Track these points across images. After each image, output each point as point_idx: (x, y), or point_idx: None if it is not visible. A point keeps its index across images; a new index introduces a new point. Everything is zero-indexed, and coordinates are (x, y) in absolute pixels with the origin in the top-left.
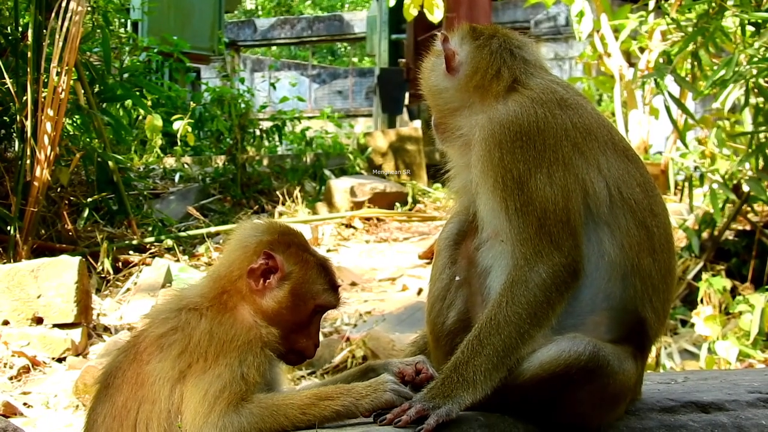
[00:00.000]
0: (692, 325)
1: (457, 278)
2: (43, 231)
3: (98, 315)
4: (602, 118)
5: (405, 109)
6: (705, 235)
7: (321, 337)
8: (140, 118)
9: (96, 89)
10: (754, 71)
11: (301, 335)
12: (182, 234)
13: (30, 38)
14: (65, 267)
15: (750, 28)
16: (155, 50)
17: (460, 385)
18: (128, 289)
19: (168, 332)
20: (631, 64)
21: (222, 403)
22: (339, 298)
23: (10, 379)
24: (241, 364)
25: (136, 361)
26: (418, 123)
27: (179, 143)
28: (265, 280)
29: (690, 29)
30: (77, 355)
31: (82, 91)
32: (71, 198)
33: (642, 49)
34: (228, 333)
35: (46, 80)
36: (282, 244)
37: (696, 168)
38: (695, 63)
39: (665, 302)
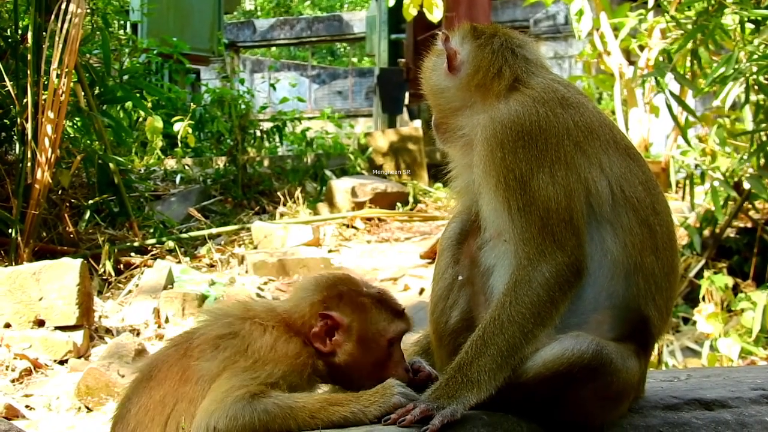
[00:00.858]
0: (694, 323)
1: (460, 278)
2: (44, 233)
3: (100, 317)
4: (604, 117)
5: (405, 109)
6: (706, 232)
7: None
8: (140, 119)
9: (96, 91)
10: (754, 68)
11: (387, 369)
12: (183, 235)
13: (30, 41)
14: (67, 269)
15: (749, 26)
16: (155, 52)
17: (465, 385)
18: (130, 291)
19: (227, 335)
20: (631, 63)
21: (239, 392)
22: (408, 320)
23: (12, 381)
24: (283, 377)
25: (185, 357)
26: (418, 123)
27: (180, 145)
28: (330, 338)
29: (689, 27)
30: (79, 358)
31: (83, 93)
32: (72, 200)
33: (642, 48)
34: (289, 351)
35: (46, 82)
36: (334, 298)
37: (697, 166)
38: (695, 61)
39: (668, 300)
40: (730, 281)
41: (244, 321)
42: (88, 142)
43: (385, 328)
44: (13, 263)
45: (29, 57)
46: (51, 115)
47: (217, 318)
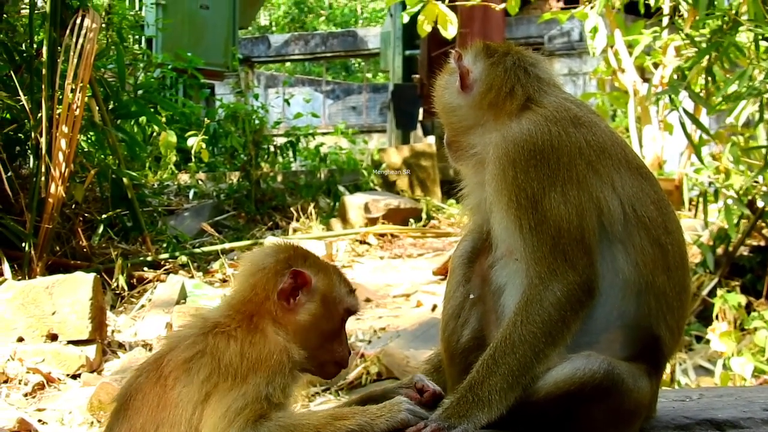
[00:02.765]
0: (707, 341)
1: (472, 296)
2: (57, 247)
3: (113, 331)
4: (616, 136)
5: (419, 125)
6: (720, 250)
7: None
8: (154, 134)
9: (110, 106)
10: None
11: (335, 344)
12: (196, 250)
13: (45, 55)
14: (80, 283)
15: (764, 43)
16: (169, 66)
17: (476, 404)
18: (143, 306)
19: (195, 356)
20: (645, 80)
21: (241, 419)
22: (359, 300)
23: (25, 395)
24: (268, 384)
25: (159, 385)
26: (432, 139)
27: (193, 159)
28: (294, 297)
29: (704, 45)
30: (92, 372)
31: (97, 108)
32: (86, 214)
33: (656, 65)
34: (261, 353)
35: (60, 97)
36: (299, 258)
37: (710, 183)
38: (709, 78)
39: (680, 320)
40: (743, 300)
41: (206, 336)
42: (102, 156)
43: (344, 296)
44: (27, 277)
45: (44, 71)
46: (65, 129)
47: (179, 340)
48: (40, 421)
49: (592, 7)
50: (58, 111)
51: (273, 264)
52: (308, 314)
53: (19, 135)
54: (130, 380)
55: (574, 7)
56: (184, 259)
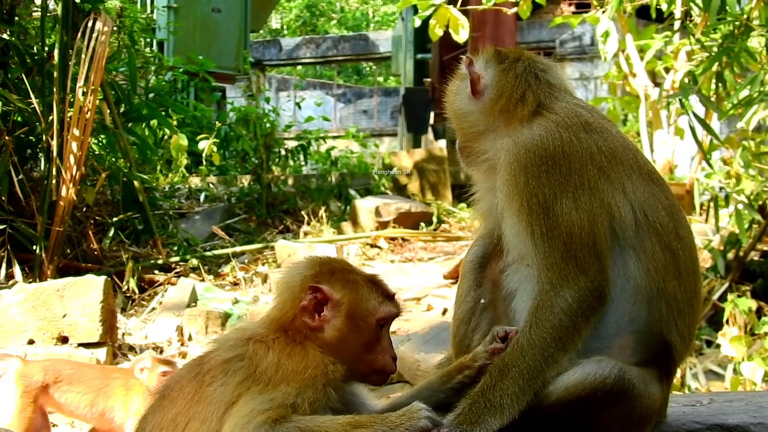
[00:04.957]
0: (718, 346)
1: (482, 301)
2: (68, 250)
3: (123, 334)
4: (627, 142)
5: (430, 129)
6: (730, 255)
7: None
8: (166, 137)
9: (122, 109)
10: None
11: (376, 353)
12: (207, 253)
13: (56, 58)
14: (90, 286)
15: None
16: (181, 70)
17: (488, 410)
18: (153, 309)
19: (234, 358)
20: (657, 84)
21: (261, 417)
22: (398, 305)
23: None
24: (298, 395)
25: (197, 381)
26: (443, 142)
27: (204, 163)
28: (319, 313)
29: (715, 49)
30: None
31: (108, 111)
32: (97, 217)
33: (667, 69)
34: (297, 366)
35: (72, 100)
36: (325, 274)
37: (721, 188)
38: (720, 83)
39: (691, 325)
40: (753, 304)
41: (247, 342)
42: (113, 159)
43: (375, 307)
44: (38, 280)
45: (55, 74)
46: (76, 132)
47: (221, 343)
48: (51, 423)
49: (603, 12)
50: (69, 114)
51: (299, 281)
52: (334, 330)
53: (31, 138)
54: (174, 374)
55: (586, 12)
56: (194, 262)
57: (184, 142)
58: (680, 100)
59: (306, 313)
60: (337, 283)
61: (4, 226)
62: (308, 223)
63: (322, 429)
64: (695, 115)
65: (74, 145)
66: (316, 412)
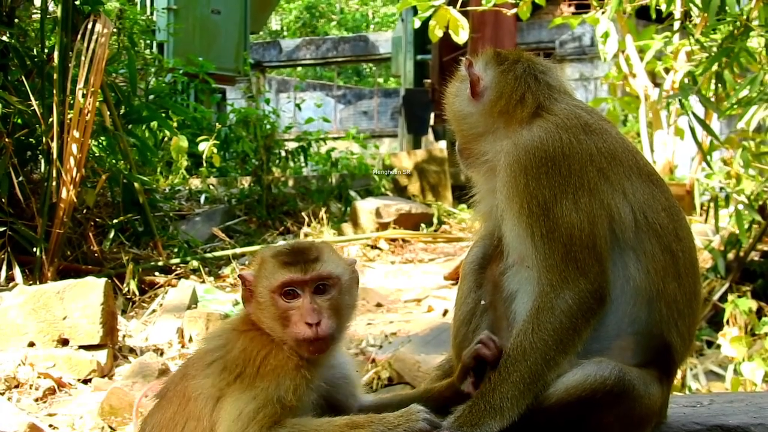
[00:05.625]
0: (718, 347)
1: (483, 302)
2: (68, 252)
3: (124, 336)
4: (627, 143)
5: (430, 130)
6: (731, 256)
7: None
8: (166, 139)
9: (122, 111)
10: None
11: (292, 323)
12: (208, 255)
13: (56, 60)
14: (91, 288)
15: None
16: (181, 71)
17: (488, 412)
18: (154, 311)
19: (213, 349)
20: (656, 85)
21: (255, 425)
22: (299, 269)
23: (36, 400)
24: (278, 387)
25: (185, 376)
26: (443, 144)
27: (205, 164)
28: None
29: (715, 50)
30: (103, 377)
31: (108, 113)
32: (97, 219)
33: (667, 70)
34: (261, 352)
35: (71, 102)
36: (257, 261)
37: (721, 189)
38: (719, 84)
39: (690, 326)
40: (754, 305)
41: (227, 331)
42: (113, 161)
43: (268, 278)
44: (38, 282)
45: (55, 76)
46: (76, 134)
47: (207, 336)
48: (51, 426)
49: (603, 12)
50: (69, 116)
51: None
52: (253, 308)
53: (31, 140)
54: (171, 373)
55: (586, 12)
56: (195, 264)
57: (184, 143)
58: (680, 101)
59: (245, 302)
60: (256, 266)
61: (5, 228)
62: (308, 225)
63: (319, 431)
64: (695, 116)
65: (74, 147)
66: (302, 399)
